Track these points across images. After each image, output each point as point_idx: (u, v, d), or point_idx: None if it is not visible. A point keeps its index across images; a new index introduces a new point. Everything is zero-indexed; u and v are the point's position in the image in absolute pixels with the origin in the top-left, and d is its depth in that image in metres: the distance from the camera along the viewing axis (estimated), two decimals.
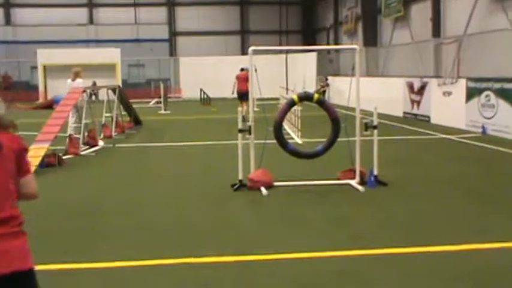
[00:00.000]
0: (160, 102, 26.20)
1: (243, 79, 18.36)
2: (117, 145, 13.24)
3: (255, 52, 8.14)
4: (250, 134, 7.97)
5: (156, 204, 7.23)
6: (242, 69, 19.77)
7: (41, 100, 33.19)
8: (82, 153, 11.78)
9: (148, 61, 39.94)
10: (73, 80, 14.24)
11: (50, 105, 26.91)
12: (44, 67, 34.30)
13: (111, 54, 34.08)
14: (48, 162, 10.06)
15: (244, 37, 42.12)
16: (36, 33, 39.60)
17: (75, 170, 10.05)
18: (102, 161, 11.12)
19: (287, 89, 24.60)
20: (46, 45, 36.80)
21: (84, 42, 39.71)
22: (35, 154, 9.69)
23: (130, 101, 17.60)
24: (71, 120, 13.23)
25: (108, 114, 15.15)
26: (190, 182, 8.70)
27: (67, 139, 11.72)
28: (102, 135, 14.26)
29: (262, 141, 8.28)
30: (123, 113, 16.62)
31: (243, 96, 18.14)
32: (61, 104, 11.58)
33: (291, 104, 8.31)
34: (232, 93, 20.55)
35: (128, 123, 16.96)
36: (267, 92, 13.03)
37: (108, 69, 33.68)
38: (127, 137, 14.92)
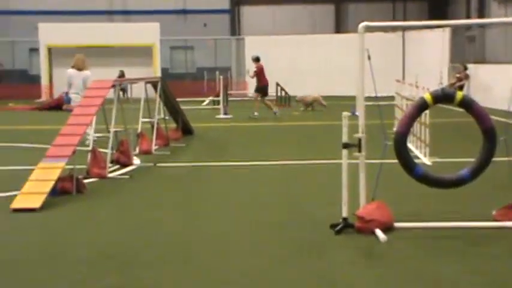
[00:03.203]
0: (218, 102, 26.57)
1: (263, 72, 24.53)
2: (159, 164, 13.57)
3: (368, 29, 8.20)
4: (360, 150, 8.02)
5: (216, 252, 7.38)
6: (258, 60, 24.96)
7: (44, 98, 34.32)
8: (109, 175, 12.16)
9: (200, 42, 40.61)
10: (80, 69, 15.91)
11: (58, 106, 27.85)
12: (49, 49, 35.49)
13: (146, 32, 34.95)
14: (63, 188, 10.43)
15: (340, 7, 42.28)
16: (38, 0, 40.97)
17: (100, 199, 10.40)
18: (139, 186, 11.43)
19: (405, 83, 24.43)
20: (51, 17, 38.04)
21: (107, 14, 40.87)
22: (45, 176, 10.08)
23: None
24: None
25: (145, 120, 15.53)
26: (267, 219, 8.82)
27: (88, 155, 12.12)
28: (137, 150, 14.65)
29: (377, 162, 8.31)
30: (167, 117, 16.99)
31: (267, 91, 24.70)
32: (83, 104, 12.01)
33: (422, 106, 8.30)
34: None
35: (173, 132, 17.34)
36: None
37: (141, 53, 34.57)
38: (173, 152, 15.25)
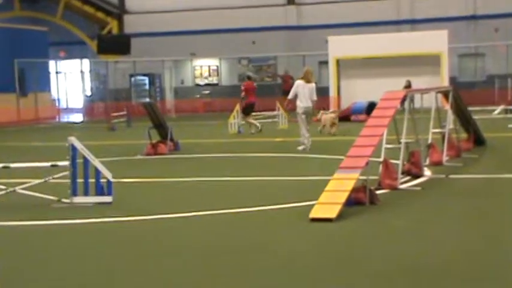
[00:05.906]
0: (511, 110, 25.78)
1: (250, 90, 26.08)
2: (451, 176, 13.42)
3: None
4: None
5: None
6: (250, 78, 27.03)
7: (332, 109, 35.31)
8: (401, 186, 12.22)
9: (491, 48, 39.35)
10: (309, 81, 18.39)
11: (346, 116, 28.52)
12: (337, 61, 36.44)
13: (433, 40, 34.69)
14: (357, 199, 10.62)
15: None
16: (326, 14, 42.27)
17: (393, 210, 10.50)
18: (431, 198, 11.39)
19: None
20: (339, 30, 39.06)
21: (395, 25, 41.03)
22: (340, 187, 10.37)
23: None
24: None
25: (436, 130, 15.39)
26: None
27: (380, 166, 12.27)
28: (427, 161, 14.57)
29: None
30: (457, 126, 16.73)
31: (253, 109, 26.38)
32: (375, 115, 12.22)
33: None
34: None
35: (465, 142, 17.02)
36: None
37: (427, 62, 34.32)
38: (465, 163, 14.99)
